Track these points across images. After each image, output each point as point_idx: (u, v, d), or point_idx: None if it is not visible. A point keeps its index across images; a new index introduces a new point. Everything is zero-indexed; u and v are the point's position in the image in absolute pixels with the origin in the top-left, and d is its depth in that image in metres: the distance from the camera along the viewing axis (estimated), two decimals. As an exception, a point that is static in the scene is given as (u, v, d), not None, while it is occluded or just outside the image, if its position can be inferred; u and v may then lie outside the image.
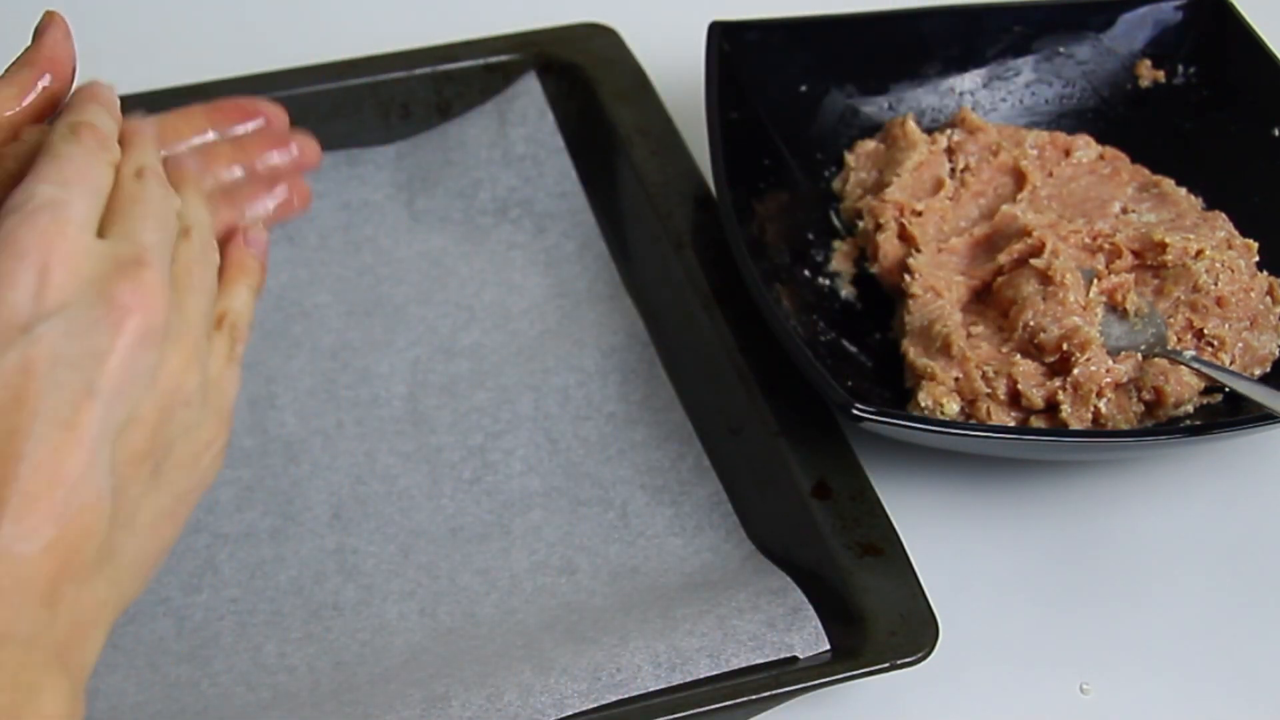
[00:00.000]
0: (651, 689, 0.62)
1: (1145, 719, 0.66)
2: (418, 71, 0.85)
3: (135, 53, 0.94)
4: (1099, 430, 0.71)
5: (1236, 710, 0.66)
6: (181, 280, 0.49)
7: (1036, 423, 0.72)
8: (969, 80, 0.86)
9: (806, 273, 0.79)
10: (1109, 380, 0.71)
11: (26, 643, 0.43)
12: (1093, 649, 0.68)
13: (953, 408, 0.72)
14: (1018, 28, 0.86)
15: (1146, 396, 0.72)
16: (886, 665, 0.62)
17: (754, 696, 0.61)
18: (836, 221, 0.82)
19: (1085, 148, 0.82)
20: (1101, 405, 0.71)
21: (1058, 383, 0.71)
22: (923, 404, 0.72)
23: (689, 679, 0.62)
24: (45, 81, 0.54)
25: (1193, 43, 0.86)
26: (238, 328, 0.52)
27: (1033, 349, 0.72)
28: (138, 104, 0.81)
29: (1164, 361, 0.72)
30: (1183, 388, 0.72)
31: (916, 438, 0.70)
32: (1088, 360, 0.71)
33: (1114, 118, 0.86)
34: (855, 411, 0.66)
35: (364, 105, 0.85)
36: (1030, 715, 0.66)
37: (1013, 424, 0.72)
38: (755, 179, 0.79)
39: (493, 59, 0.86)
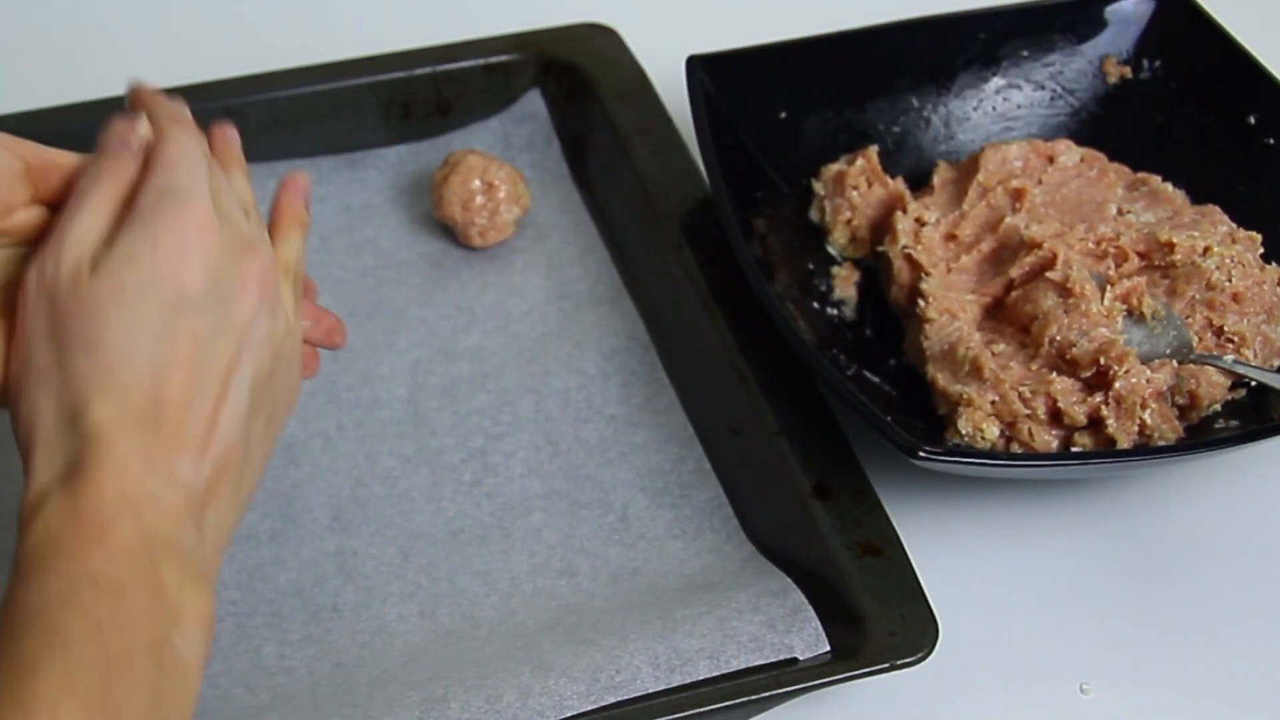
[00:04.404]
0: (651, 690, 0.62)
1: (1145, 719, 0.66)
2: (418, 71, 0.85)
3: (135, 53, 0.94)
4: (1195, 442, 0.71)
5: (1236, 711, 0.66)
6: None
7: (1081, 438, 0.71)
8: (940, 91, 0.85)
9: (815, 305, 0.78)
10: (1151, 390, 0.70)
11: (187, 555, 0.49)
12: (1093, 649, 0.68)
13: (993, 431, 0.70)
14: (982, 35, 0.85)
15: (1180, 400, 0.72)
16: (886, 665, 0.62)
17: (754, 697, 0.61)
18: (830, 248, 0.81)
19: (1067, 151, 0.82)
20: (1146, 416, 0.70)
21: (1099, 398, 0.70)
22: (962, 430, 0.70)
23: (688, 680, 0.62)
24: None
25: (1156, 36, 0.86)
26: (298, 273, 0.58)
27: (1063, 364, 0.71)
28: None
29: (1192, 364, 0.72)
30: (1214, 388, 0.72)
31: (992, 473, 0.70)
32: (1127, 373, 0.70)
33: (1086, 117, 0.86)
34: (923, 454, 0.65)
35: (364, 105, 0.85)
36: (1030, 715, 0.66)
37: (1055, 442, 0.71)
38: (752, 210, 0.79)
39: (493, 59, 0.86)
